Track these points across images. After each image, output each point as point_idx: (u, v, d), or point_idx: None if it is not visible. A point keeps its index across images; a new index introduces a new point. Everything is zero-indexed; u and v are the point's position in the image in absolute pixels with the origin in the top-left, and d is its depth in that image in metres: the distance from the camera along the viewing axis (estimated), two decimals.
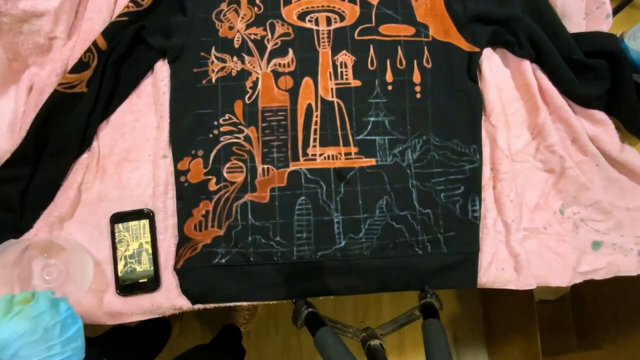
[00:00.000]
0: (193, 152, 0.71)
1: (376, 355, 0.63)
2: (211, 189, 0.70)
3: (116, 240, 0.69)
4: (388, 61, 0.75)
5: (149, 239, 0.69)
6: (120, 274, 0.68)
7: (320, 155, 0.72)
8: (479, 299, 1.50)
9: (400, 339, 1.45)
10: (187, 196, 0.70)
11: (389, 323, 0.72)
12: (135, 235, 0.69)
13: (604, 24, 0.77)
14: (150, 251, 0.69)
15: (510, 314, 1.29)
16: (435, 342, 0.62)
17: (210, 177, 0.71)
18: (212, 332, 1.36)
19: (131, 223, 0.69)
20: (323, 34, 0.76)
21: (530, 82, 0.75)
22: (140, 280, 0.68)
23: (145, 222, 0.69)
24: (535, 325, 1.11)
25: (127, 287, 0.68)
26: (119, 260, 0.68)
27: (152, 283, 0.68)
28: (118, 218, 0.70)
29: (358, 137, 0.73)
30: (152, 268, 0.68)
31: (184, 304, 0.68)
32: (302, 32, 0.75)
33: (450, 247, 0.71)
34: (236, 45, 0.75)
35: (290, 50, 0.75)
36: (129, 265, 0.68)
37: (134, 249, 0.69)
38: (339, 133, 0.73)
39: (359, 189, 0.71)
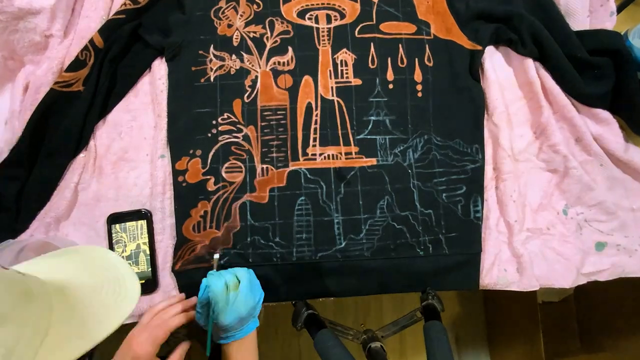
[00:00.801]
0: (191, 151, 0.71)
1: (377, 358, 0.63)
2: (209, 189, 0.70)
3: (113, 241, 0.69)
4: (389, 59, 0.75)
5: (146, 240, 0.69)
6: None
7: (320, 154, 0.72)
8: (481, 301, 1.50)
9: (402, 341, 1.45)
10: (185, 196, 0.70)
11: (390, 325, 0.72)
12: (132, 236, 0.69)
13: (608, 21, 0.77)
14: (148, 252, 0.69)
15: (513, 316, 1.29)
16: (437, 344, 0.62)
17: (208, 177, 0.71)
18: None
19: (129, 224, 0.69)
20: (323, 31, 0.76)
21: (533, 81, 0.75)
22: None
23: (142, 223, 0.69)
24: (538, 327, 1.11)
25: None
26: None
27: (150, 284, 0.68)
28: (115, 219, 0.69)
29: (358, 137, 0.73)
30: (150, 269, 0.68)
31: None
32: (301, 30, 0.75)
33: (452, 248, 0.71)
34: (235, 44, 0.75)
35: (290, 49, 0.75)
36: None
37: (131, 250, 0.69)
38: (339, 132, 0.73)
39: (360, 189, 0.71)
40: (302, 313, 0.67)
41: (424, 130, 0.73)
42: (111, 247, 0.69)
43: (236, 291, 0.58)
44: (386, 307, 1.46)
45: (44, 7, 0.70)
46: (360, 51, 0.75)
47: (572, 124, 0.74)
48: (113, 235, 0.69)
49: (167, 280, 0.69)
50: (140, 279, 0.68)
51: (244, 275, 0.60)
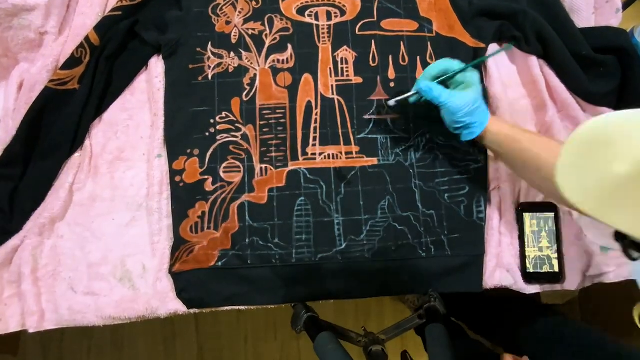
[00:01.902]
0: (189, 151, 0.71)
1: None
2: (207, 189, 0.70)
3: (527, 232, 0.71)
4: (390, 57, 0.75)
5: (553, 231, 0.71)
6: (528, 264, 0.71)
7: (320, 154, 0.72)
8: None
9: (403, 345, 1.44)
10: (183, 197, 0.70)
11: (392, 328, 0.72)
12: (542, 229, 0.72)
13: (614, 18, 0.77)
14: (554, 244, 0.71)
15: None
16: (439, 347, 0.62)
17: (206, 177, 0.70)
18: None
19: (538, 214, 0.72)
20: (323, 29, 0.75)
21: (538, 79, 0.75)
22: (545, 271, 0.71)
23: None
24: None
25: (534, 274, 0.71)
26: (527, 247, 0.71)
27: (555, 276, 0.70)
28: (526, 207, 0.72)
29: (359, 136, 0.72)
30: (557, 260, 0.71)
31: (179, 308, 0.68)
32: (301, 27, 0.75)
33: (454, 249, 0.70)
34: (233, 41, 0.75)
35: (289, 46, 0.75)
36: (538, 258, 0.71)
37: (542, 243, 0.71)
38: (340, 131, 0.73)
39: (360, 189, 0.71)
40: (302, 316, 0.67)
41: (426, 129, 0.73)
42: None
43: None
44: (387, 309, 1.45)
45: (39, 4, 0.70)
46: (361, 49, 0.75)
47: (576, 123, 0.74)
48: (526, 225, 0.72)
49: (164, 282, 0.69)
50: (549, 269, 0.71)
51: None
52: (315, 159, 0.71)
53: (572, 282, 0.71)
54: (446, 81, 0.64)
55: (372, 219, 0.70)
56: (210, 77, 0.73)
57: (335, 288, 0.70)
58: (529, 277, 0.70)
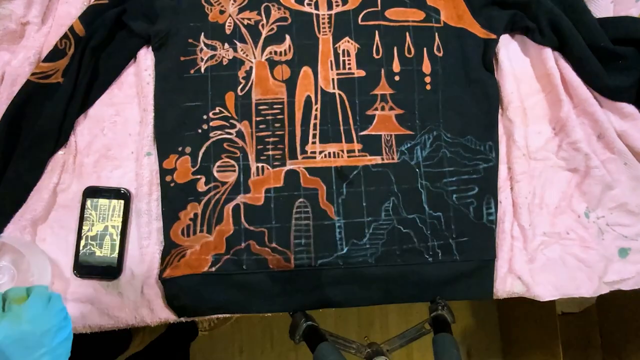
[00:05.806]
0: (180, 149, 0.71)
1: None
2: (200, 189, 0.70)
3: (84, 217, 0.69)
4: (395, 49, 0.75)
5: (118, 223, 0.69)
6: (79, 254, 0.68)
7: (321, 152, 0.72)
8: (495, 311, 1.51)
9: (409, 356, 1.45)
10: (174, 198, 0.70)
11: (396, 338, 0.72)
12: (102, 216, 0.69)
13: (634, 8, 0.77)
14: (116, 237, 0.69)
15: (530, 328, 1.30)
16: (447, 358, 0.62)
17: (199, 176, 0.71)
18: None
19: (101, 201, 0.69)
20: (323, 18, 0.76)
21: (552, 72, 0.75)
22: (100, 266, 0.68)
23: (118, 204, 0.69)
24: (558, 340, 1.12)
25: (85, 268, 0.68)
26: (81, 239, 0.69)
27: (112, 271, 0.68)
28: (91, 193, 0.70)
29: (362, 133, 0.73)
30: (115, 255, 0.68)
31: (170, 316, 0.69)
32: (300, 16, 0.75)
33: (463, 253, 0.71)
34: (227, 31, 0.75)
35: (288, 37, 0.75)
36: (89, 247, 0.68)
37: (97, 231, 0.69)
38: (341, 128, 0.73)
39: (363, 190, 0.71)
40: (301, 325, 0.67)
41: (433, 126, 0.73)
42: (80, 224, 0.69)
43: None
44: (392, 318, 1.46)
45: None
46: (363, 40, 0.75)
47: (594, 119, 0.74)
48: (85, 210, 0.69)
49: (154, 288, 0.69)
50: (103, 263, 0.68)
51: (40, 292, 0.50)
52: (315, 157, 0.72)
53: (588, 289, 0.71)
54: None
55: (376, 222, 0.70)
56: (202, 70, 0.73)
57: (336, 295, 0.70)
58: None
